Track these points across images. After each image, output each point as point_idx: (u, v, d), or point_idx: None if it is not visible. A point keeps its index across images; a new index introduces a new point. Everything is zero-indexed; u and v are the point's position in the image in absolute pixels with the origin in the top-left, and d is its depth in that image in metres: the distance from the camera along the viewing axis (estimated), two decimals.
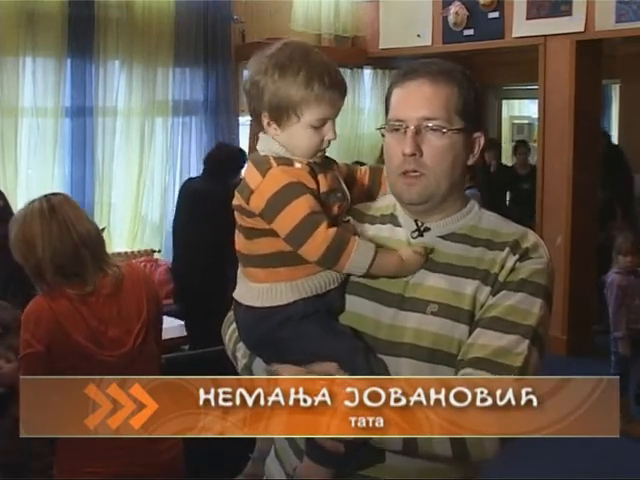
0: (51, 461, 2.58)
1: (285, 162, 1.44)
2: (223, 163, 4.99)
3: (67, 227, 2.36)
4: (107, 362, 2.34)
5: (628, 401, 4.56)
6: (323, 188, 1.44)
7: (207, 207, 4.85)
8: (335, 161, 1.57)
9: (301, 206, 1.39)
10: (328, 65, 1.45)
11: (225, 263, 4.75)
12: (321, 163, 1.48)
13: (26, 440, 2.76)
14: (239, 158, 5.06)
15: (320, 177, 1.45)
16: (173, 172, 6.42)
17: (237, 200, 1.48)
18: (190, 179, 5.38)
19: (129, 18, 6.09)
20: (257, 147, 1.49)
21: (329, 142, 1.47)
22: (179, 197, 5.25)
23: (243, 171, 4.89)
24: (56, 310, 2.32)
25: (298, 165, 1.44)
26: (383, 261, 1.43)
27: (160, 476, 2.40)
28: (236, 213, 1.50)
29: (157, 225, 6.42)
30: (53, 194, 2.50)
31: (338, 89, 1.45)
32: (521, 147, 7.43)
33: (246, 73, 1.49)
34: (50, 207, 2.37)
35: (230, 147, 5.43)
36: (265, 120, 1.46)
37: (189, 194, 5.12)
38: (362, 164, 1.76)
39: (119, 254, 6.25)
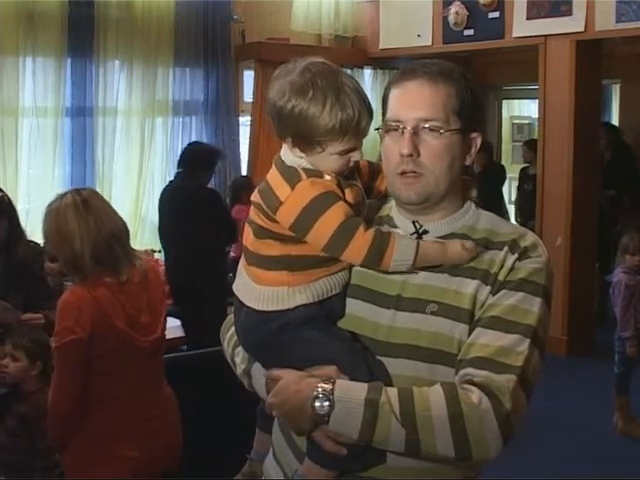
0: (55, 459, 2.60)
1: (314, 174, 1.41)
2: (195, 162, 5.05)
3: (101, 220, 2.43)
4: (142, 347, 2.45)
5: (629, 401, 4.56)
6: (349, 202, 1.43)
7: (182, 204, 4.97)
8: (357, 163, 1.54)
9: (335, 215, 1.38)
10: (352, 92, 1.39)
11: (209, 258, 4.84)
12: (347, 175, 1.46)
13: (30, 439, 2.79)
14: (211, 156, 5.16)
15: (347, 192, 1.43)
16: (173, 172, 6.41)
17: (256, 198, 1.46)
18: (167, 184, 5.42)
19: (129, 18, 6.09)
20: (281, 155, 1.46)
21: (355, 162, 1.46)
22: (159, 202, 5.32)
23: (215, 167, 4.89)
24: (98, 297, 2.37)
25: (327, 177, 1.42)
26: (426, 252, 1.42)
27: (164, 459, 2.50)
28: (252, 209, 1.48)
29: (157, 225, 6.42)
30: (82, 188, 2.59)
31: (364, 120, 1.40)
32: (529, 145, 7.30)
33: (270, 93, 1.44)
34: (83, 200, 2.43)
35: (202, 146, 5.47)
36: (288, 144, 1.44)
37: (166, 195, 5.20)
38: None
39: None
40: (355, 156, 1.44)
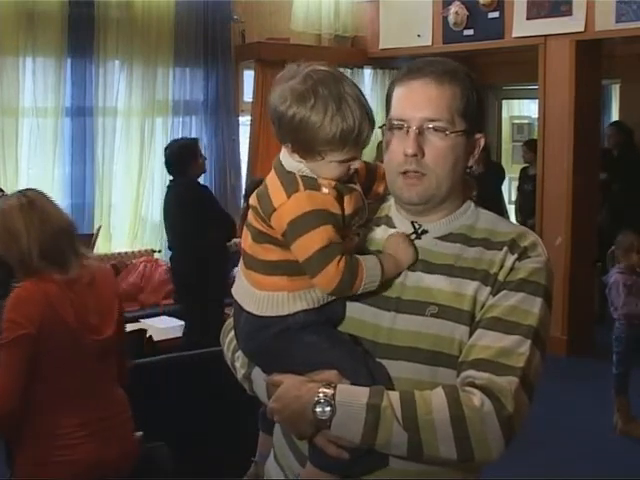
0: None
1: (312, 185, 1.39)
2: (180, 158, 5.08)
3: (47, 217, 2.47)
4: (91, 345, 2.45)
5: (629, 401, 4.56)
6: (348, 210, 1.42)
7: (177, 204, 5.04)
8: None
9: (317, 238, 1.36)
10: (354, 101, 1.37)
11: (208, 256, 4.87)
12: (347, 179, 1.45)
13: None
14: (192, 147, 5.20)
15: (346, 199, 1.42)
16: None
17: (254, 201, 1.45)
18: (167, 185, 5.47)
19: (129, 18, 6.09)
20: (281, 158, 1.45)
21: (355, 169, 1.45)
22: (163, 203, 5.39)
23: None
24: (48, 292, 2.40)
25: (325, 190, 1.40)
26: (388, 269, 1.43)
27: (116, 461, 2.48)
28: (250, 212, 1.47)
29: (157, 225, 6.42)
30: (27, 189, 2.63)
31: (365, 131, 1.38)
32: (529, 145, 7.28)
33: (271, 97, 1.42)
34: (28, 200, 2.48)
35: (180, 141, 5.48)
36: (288, 149, 1.42)
37: (166, 197, 5.27)
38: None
39: (119, 254, 6.27)
40: (354, 164, 1.43)
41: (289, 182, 1.40)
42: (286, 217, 1.38)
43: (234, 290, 1.53)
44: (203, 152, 5.59)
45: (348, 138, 1.37)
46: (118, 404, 2.58)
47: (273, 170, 1.45)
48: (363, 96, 1.41)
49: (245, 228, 1.49)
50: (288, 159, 1.43)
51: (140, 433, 2.67)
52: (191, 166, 5.10)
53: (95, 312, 2.50)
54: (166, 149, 5.28)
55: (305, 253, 1.38)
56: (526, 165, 7.30)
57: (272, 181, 1.43)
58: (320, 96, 1.36)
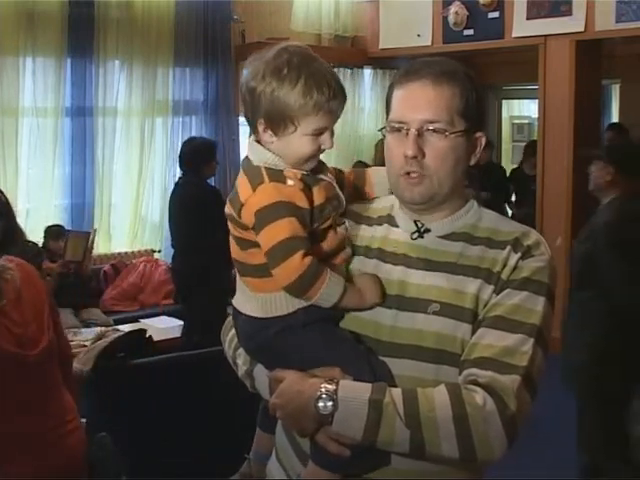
0: None
1: (277, 178, 1.40)
2: (196, 156, 5.07)
3: None
4: (28, 362, 2.33)
5: None
6: (318, 200, 1.42)
7: (184, 204, 5.04)
8: (325, 164, 1.54)
9: (282, 228, 1.36)
10: (327, 72, 1.42)
11: (211, 257, 4.87)
12: (315, 170, 1.46)
13: None
14: (210, 148, 5.18)
15: (315, 189, 1.42)
16: (173, 172, 6.41)
17: (228, 209, 1.46)
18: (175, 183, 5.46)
19: (129, 18, 6.10)
20: (248, 155, 1.46)
21: (324, 150, 1.46)
22: (168, 202, 5.37)
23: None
24: None
25: (290, 182, 1.40)
26: (349, 297, 1.42)
27: (65, 469, 2.35)
28: (229, 222, 1.48)
29: (157, 225, 6.43)
30: None
31: (337, 98, 1.41)
32: (534, 147, 7.28)
33: (243, 78, 1.45)
34: None
35: (199, 140, 5.46)
36: (261, 127, 1.43)
37: (172, 195, 5.26)
38: (363, 163, 1.74)
39: (119, 254, 6.27)
40: (326, 142, 1.43)
41: (254, 176, 1.41)
42: (253, 208, 1.38)
43: (235, 301, 1.53)
44: None
45: (321, 103, 1.39)
46: (62, 411, 2.43)
47: (241, 170, 1.46)
48: (334, 72, 1.45)
49: (231, 238, 1.50)
50: (255, 149, 1.45)
51: (83, 420, 2.54)
52: (205, 167, 5.09)
53: (32, 321, 2.37)
54: (184, 144, 5.27)
55: (268, 243, 1.38)
56: (518, 165, 7.34)
57: (240, 181, 1.45)
58: (293, 66, 1.39)
